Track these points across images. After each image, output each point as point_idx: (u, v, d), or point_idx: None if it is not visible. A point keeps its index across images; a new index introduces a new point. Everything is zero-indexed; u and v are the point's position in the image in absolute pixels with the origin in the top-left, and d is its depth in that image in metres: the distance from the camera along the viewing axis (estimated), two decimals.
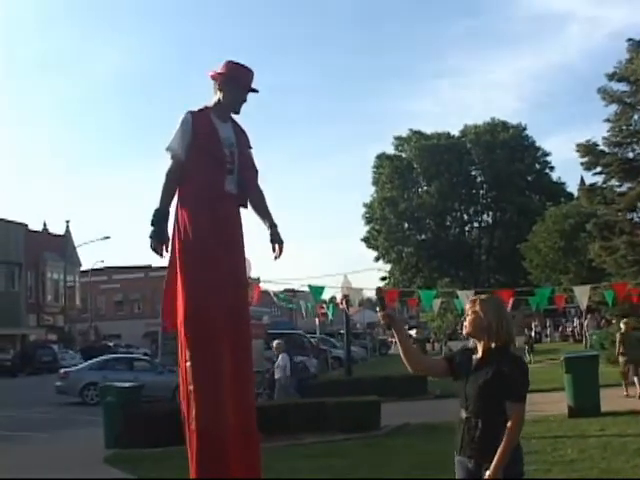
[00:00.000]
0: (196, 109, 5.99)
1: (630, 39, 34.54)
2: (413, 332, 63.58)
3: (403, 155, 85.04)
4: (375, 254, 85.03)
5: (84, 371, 27.18)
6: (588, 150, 35.93)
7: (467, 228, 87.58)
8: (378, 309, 4.53)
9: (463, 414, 4.28)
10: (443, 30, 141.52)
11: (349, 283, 24.68)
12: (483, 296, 4.56)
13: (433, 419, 14.98)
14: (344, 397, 15.69)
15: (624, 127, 34.84)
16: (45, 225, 67.65)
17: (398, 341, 4.53)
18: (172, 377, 20.46)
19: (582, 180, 51.98)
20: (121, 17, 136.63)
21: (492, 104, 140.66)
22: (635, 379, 18.51)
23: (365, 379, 23.24)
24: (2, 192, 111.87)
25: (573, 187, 72.88)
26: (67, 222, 70.87)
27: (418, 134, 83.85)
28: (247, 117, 6.18)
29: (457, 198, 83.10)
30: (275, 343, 19.90)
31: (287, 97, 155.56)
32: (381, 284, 77.88)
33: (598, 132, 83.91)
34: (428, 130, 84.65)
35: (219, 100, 5.99)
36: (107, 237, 68.37)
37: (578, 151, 36.57)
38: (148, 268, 77.42)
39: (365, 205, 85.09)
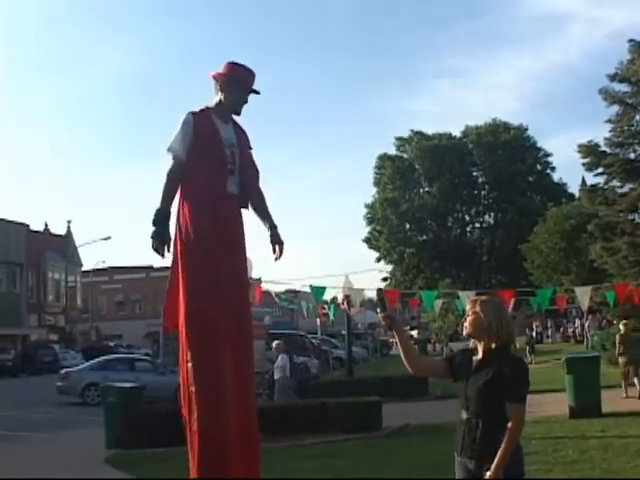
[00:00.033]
0: (197, 110, 5.99)
1: (631, 40, 34.51)
2: (414, 333, 63.80)
3: (404, 156, 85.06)
4: (376, 255, 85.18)
5: (85, 371, 27.18)
6: (589, 151, 35.91)
7: (468, 229, 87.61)
8: (379, 310, 4.53)
9: (464, 415, 4.28)
10: (444, 30, 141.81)
11: (350, 284, 24.69)
12: (483, 297, 4.56)
13: (434, 420, 14.96)
14: (345, 398, 15.70)
15: (626, 128, 34.83)
16: (46, 225, 67.79)
17: (398, 342, 4.53)
18: (173, 377, 20.38)
19: (583, 181, 51.97)
20: (121, 17, 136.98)
21: (493, 105, 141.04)
22: (635, 380, 18.51)
23: (366, 380, 23.24)
24: (3, 192, 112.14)
25: (574, 188, 72.85)
26: (68, 222, 71.08)
27: (419, 135, 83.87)
28: (248, 117, 6.20)
29: (458, 199, 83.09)
30: (275, 343, 19.89)
31: (287, 97, 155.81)
32: (382, 285, 77.97)
33: (599, 133, 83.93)
34: (429, 131, 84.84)
35: (220, 101, 6.00)
36: (108, 237, 68.35)
37: (579, 152, 36.55)
38: (149, 268, 77.43)
39: (366, 206, 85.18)
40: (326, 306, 37.50)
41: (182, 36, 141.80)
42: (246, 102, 6.06)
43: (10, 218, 59.27)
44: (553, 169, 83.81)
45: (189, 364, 5.56)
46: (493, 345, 4.26)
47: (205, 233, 5.72)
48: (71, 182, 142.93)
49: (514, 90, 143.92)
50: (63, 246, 67.90)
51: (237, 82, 5.95)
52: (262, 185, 6.26)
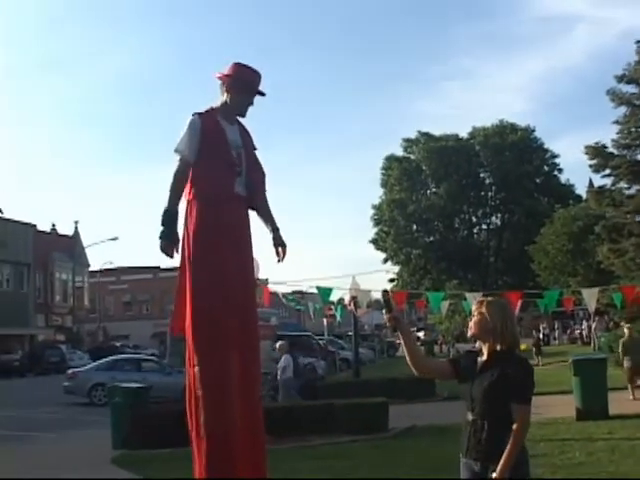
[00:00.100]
0: (202, 111, 5.99)
1: (639, 41, 34.53)
2: (421, 334, 63.82)
3: (412, 157, 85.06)
4: (384, 256, 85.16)
5: (92, 371, 27.21)
6: (597, 152, 35.93)
7: (475, 230, 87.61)
8: (384, 311, 4.52)
9: (469, 416, 4.27)
10: (452, 32, 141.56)
11: (357, 285, 24.66)
12: (490, 298, 4.56)
13: (441, 421, 14.93)
14: (352, 399, 15.67)
15: (633, 129, 34.84)
16: (54, 226, 67.83)
17: (403, 343, 4.52)
18: (180, 378, 20.39)
19: (591, 182, 51.94)
20: (121, 17, 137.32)
21: (500, 106, 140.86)
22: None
23: (373, 381, 23.21)
24: (11, 193, 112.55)
25: (582, 189, 72.73)
26: (76, 223, 71.07)
27: (427, 136, 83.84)
28: (252, 118, 6.19)
29: (465, 200, 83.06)
30: (278, 344, 19.87)
31: (294, 97, 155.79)
32: (389, 286, 77.97)
33: (607, 134, 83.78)
34: (437, 132, 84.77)
35: (226, 102, 6.00)
36: (115, 238, 68.37)
37: (587, 153, 36.59)
38: (157, 269, 77.51)
39: (374, 207, 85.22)
40: (333, 307, 37.49)
41: (182, 36, 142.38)
42: (252, 104, 6.06)
43: (17, 218, 59.45)
44: (560, 170, 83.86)
45: (196, 368, 5.56)
46: (498, 347, 4.26)
47: (212, 234, 5.73)
48: (72, 182, 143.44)
49: (521, 91, 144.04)
50: (70, 246, 67.99)
51: (243, 83, 5.96)
52: (267, 186, 6.28)
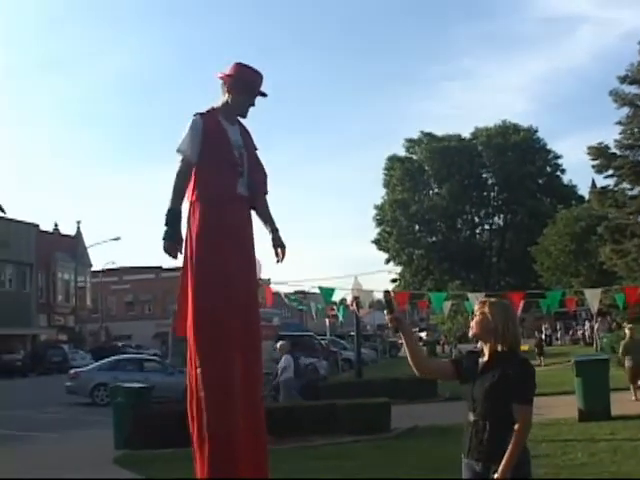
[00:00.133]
0: (203, 111, 5.98)
1: None
2: (423, 334, 63.77)
3: (414, 157, 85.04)
4: (386, 256, 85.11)
5: (94, 371, 27.22)
6: (599, 153, 35.93)
7: (478, 230, 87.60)
8: (386, 312, 4.51)
9: (471, 417, 4.28)
10: (455, 33, 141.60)
11: (360, 285, 24.66)
12: (493, 299, 4.56)
13: (443, 422, 14.93)
14: (354, 399, 15.67)
15: (636, 130, 34.84)
16: (56, 226, 67.93)
17: (405, 344, 4.52)
18: (182, 378, 20.24)
19: (593, 183, 52.00)
20: (121, 17, 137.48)
21: (502, 106, 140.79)
22: None
23: (375, 381, 23.21)
24: (12, 193, 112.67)
25: (584, 190, 72.67)
26: (78, 223, 71.16)
27: (429, 136, 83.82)
28: (253, 117, 6.19)
29: (468, 200, 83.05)
30: (279, 344, 19.84)
31: (294, 97, 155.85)
32: (392, 286, 77.96)
33: (610, 135, 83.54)
34: (439, 132, 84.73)
35: (227, 102, 5.99)
36: (117, 238, 68.40)
37: (589, 154, 36.59)
38: (159, 269, 77.65)
39: (376, 207, 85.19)
40: (335, 307, 37.51)
41: (182, 36, 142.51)
42: (253, 105, 6.06)
43: (20, 218, 59.51)
44: (563, 171, 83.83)
45: (198, 370, 5.56)
46: (499, 347, 4.26)
47: (215, 235, 5.73)
48: (72, 182, 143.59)
49: (524, 92, 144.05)
50: (73, 246, 68.03)
51: (244, 84, 5.95)
52: (269, 186, 6.30)
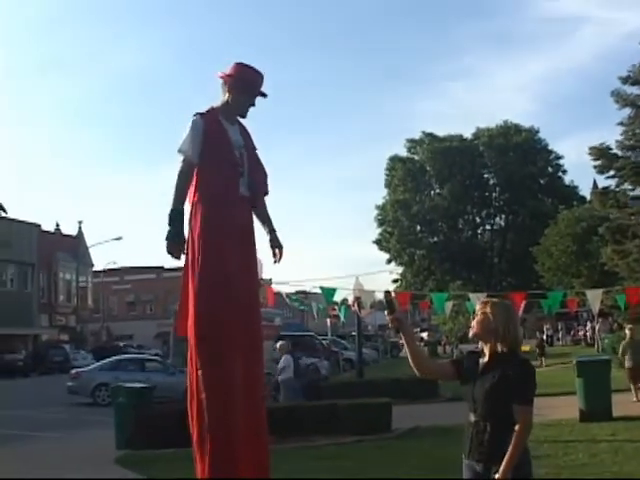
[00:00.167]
0: (203, 111, 5.99)
1: None
2: (425, 335, 63.79)
3: (416, 157, 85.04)
4: (387, 256, 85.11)
5: (96, 371, 27.23)
6: (601, 153, 35.91)
7: (479, 231, 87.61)
8: (387, 312, 4.52)
9: (471, 417, 4.28)
10: (456, 32, 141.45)
11: (361, 285, 24.64)
12: (494, 299, 4.56)
13: (444, 422, 14.92)
14: (355, 399, 15.67)
15: (637, 130, 34.80)
16: (58, 225, 67.89)
17: (406, 344, 4.52)
18: (184, 378, 20.30)
19: (595, 183, 51.88)
20: (121, 17, 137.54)
21: (505, 107, 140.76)
22: None
23: (376, 381, 23.21)
24: (12, 193, 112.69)
25: (586, 190, 72.53)
26: (80, 223, 71.13)
27: (431, 136, 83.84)
28: (252, 117, 6.20)
29: (469, 201, 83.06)
30: (279, 344, 19.84)
31: (295, 97, 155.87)
32: (393, 286, 77.94)
33: (611, 135, 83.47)
34: (441, 132, 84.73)
35: (227, 102, 6.00)
36: (119, 238, 68.36)
37: (591, 154, 36.56)
38: (160, 269, 77.62)
39: (377, 207, 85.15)
40: (336, 307, 37.48)
41: (182, 36, 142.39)
42: (253, 105, 6.06)
43: (22, 218, 59.53)
44: (564, 172, 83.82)
45: (199, 371, 5.56)
46: (499, 348, 4.27)
47: (217, 235, 5.73)
48: (72, 182, 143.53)
49: (526, 92, 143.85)
50: (74, 246, 68.02)
51: (245, 84, 5.96)
52: (269, 186, 6.31)
